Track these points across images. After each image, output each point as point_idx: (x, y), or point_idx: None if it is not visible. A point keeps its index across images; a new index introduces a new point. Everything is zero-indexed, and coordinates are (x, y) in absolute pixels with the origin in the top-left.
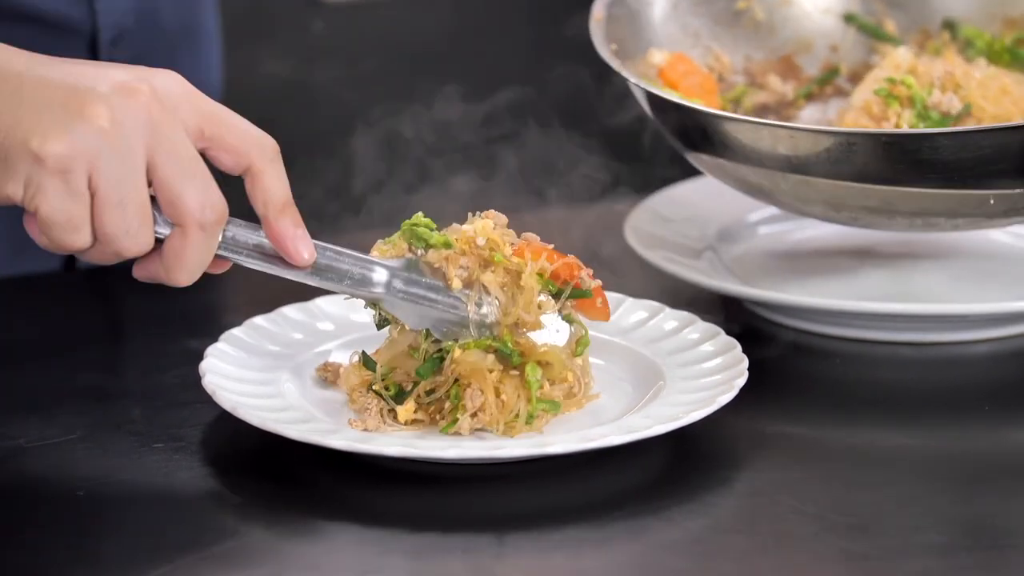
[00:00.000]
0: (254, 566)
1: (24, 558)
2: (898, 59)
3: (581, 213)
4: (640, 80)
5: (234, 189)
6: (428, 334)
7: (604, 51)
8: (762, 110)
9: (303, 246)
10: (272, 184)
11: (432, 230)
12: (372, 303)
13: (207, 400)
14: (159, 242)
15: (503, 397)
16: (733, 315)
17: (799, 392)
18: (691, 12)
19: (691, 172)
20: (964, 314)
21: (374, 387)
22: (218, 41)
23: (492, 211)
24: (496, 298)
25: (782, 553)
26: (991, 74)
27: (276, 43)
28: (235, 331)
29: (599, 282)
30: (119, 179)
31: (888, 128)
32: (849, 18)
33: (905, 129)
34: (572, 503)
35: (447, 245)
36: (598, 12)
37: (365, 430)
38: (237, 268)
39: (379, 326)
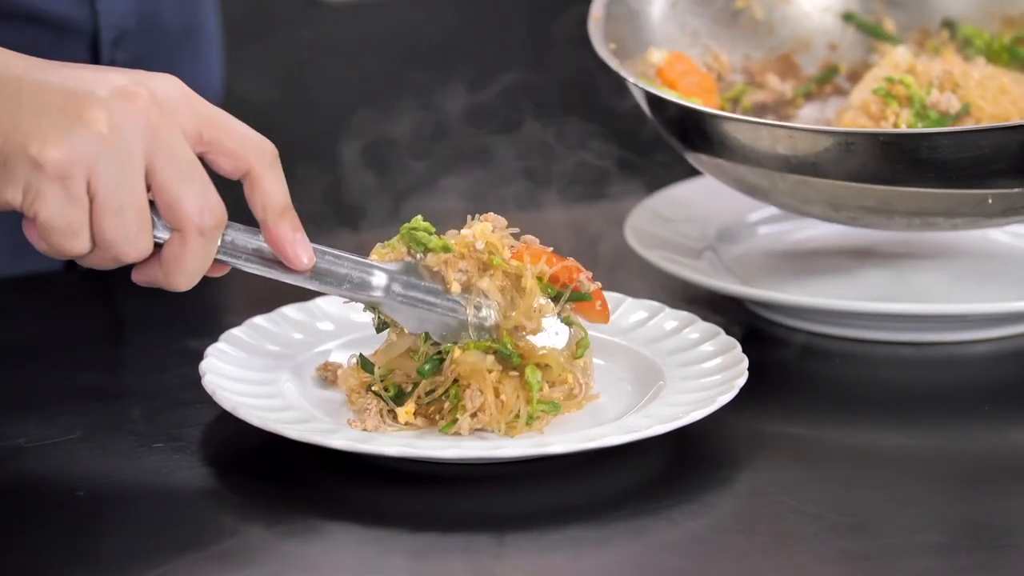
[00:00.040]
0: (254, 566)
1: (24, 558)
2: (897, 58)
3: (581, 213)
4: (638, 79)
5: (233, 193)
6: (427, 337)
7: (603, 50)
8: (761, 109)
9: (302, 250)
10: (271, 188)
11: (431, 234)
12: (371, 307)
13: (207, 400)
14: (158, 247)
15: (502, 397)
16: (733, 315)
17: (799, 392)
18: (690, 11)
19: (691, 172)
20: (964, 314)
21: (373, 388)
22: (218, 41)
23: (491, 214)
24: (495, 301)
25: (782, 553)
26: (990, 73)
27: (276, 43)
28: (235, 331)
29: (598, 284)
30: (118, 184)
31: (886, 128)
32: (848, 17)
33: (903, 129)
34: (572, 503)
35: (446, 249)
36: (597, 11)
37: (364, 430)
38: (237, 269)
39: (378, 329)
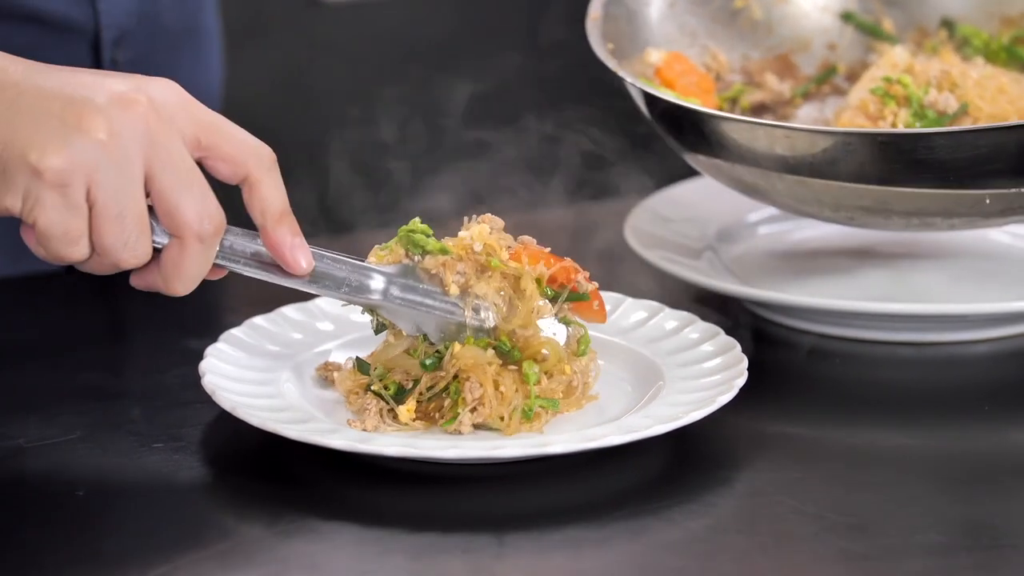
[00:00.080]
0: (254, 566)
1: (24, 558)
2: (895, 58)
3: (581, 213)
4: (636, 79)
5: (232, 196)
6: (425, 338)
7: (600, 50)
8: (759, 109)
9: (301, 255)
10: (269, 193)
11: (429, 236)
12: (369, 309)
13: (207, 400)
14: (157, 251)
15: (502, 389)
16: (733, 315)
17: (799, 392)
18: (688, 11)
19: (691, 172)
20: (964, 314)
21: (372, 388)
22: (219, 41)
23: (488, 215)
24: (493, 303)
25: (782, 553)
26: (988, 73)
27: (276, 43)
28: (235, 331)
29: (595, 285)
30: (117, 192)
31: (884, 128)
32: (847, 17)
33: (900, 129)
34: (572, 503)
35: (444, 251)
36: (595, 11)
37: (364, 430)
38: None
39: (376, 331)
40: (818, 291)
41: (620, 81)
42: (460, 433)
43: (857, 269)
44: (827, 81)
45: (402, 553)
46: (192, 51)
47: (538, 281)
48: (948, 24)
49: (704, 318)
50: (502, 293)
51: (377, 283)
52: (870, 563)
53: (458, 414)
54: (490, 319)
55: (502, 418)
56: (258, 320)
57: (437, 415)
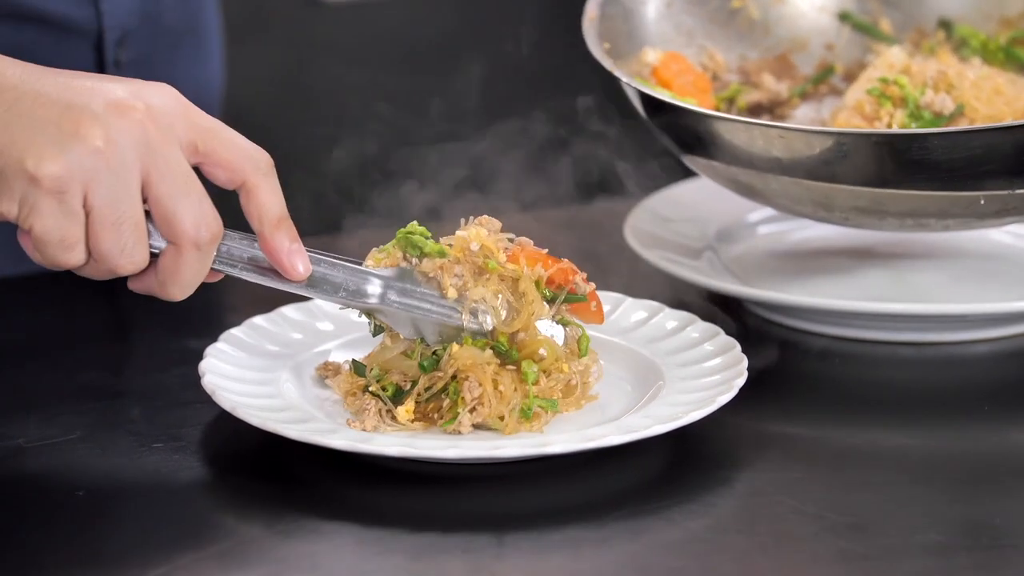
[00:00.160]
0: (254, 566)
1: (24, 558)
2: (891, 59)
3: (581, 213)
4: (632, 79)
5: (230, 198)
6: (422, 341)
7: (597, 50)
8: (756, 109)
9: (298, 260)
10: (266, 199)
11: (427, 238)
12: (367, 313)
13: (207, 400)
14: (154, 256)
15: (501, 388)
16: (733, 315)
17: (799, 392)
18: (685, 11)
19: (691, 172)
20: (964, 314)
21: (370, 389)
22: (220, 41)
23: (485, 216)
24: (492, 307)
25: (782, 553)
26: (985, 74)
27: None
28: (235, 331)
29: (593, 286)
30: (114, 199)
31: (880, 128)
32: (844, 17)
33: (895, 129)
34: (572, 503)
35: (441, 254)
36: (591, 11)
37: (364, 430)
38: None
39: (374, 333)
40: (818, 291)
41: (616, 81)
42: (459, 433)
43: (857, 269)
44: (824, 81)
45: (402, 553)
46: (193, 50)
47: (536, 284)
48: (946, 25)
49: (704, 318)
50: (500, 296)
51: (375, 288)
52: (870, 563)
53: (457, 414)
54: (488, 322)
55: (501, 417)
56: (258, 320)
57: (436, 415)
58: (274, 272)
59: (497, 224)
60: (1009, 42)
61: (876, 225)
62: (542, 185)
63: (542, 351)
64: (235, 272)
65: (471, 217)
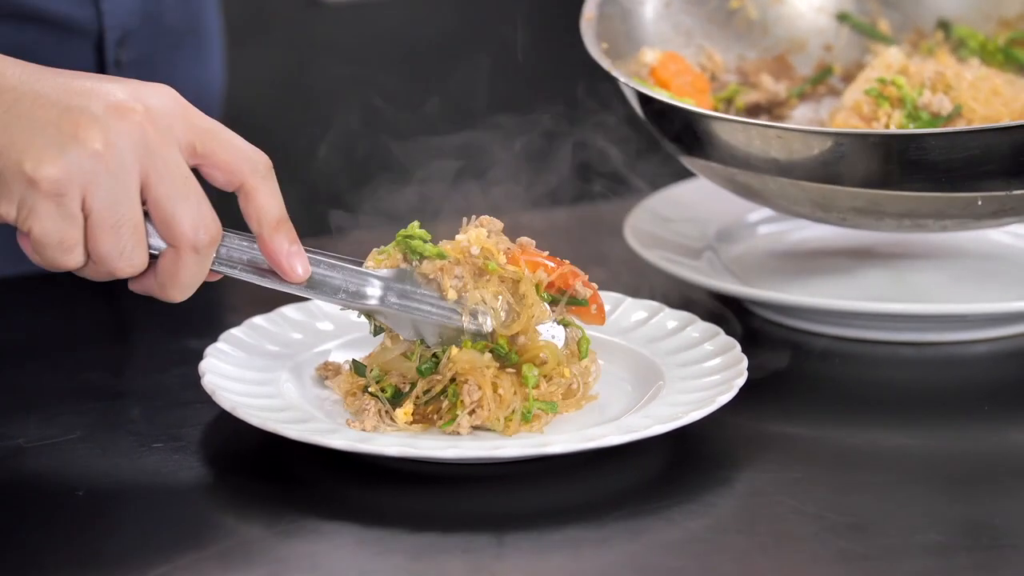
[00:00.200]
0: (254, 566)
1: (24, 558)
2: (889, 59)
3: (580, 213)
4: (630, 79)
5: (231, 199)
6: (422, 342)
7: (595, 50)
8: (755, 110)
9: (297, 262)
10: (265, 202)
11: (426, 241)
12: (367, 314)
13: (207, 400)
14: (154, 257)
15: (500, 391)
16: (733, 315)
17: (799, 392)
18: (684, 11)
19: (691, 172)
20: (964, 314)
21: (370, 389)
22: (220, 41)
23: (486, 217)
24: (492, 309)
25: (782, 553)
26: (982, 75)
27: (276, 43)
28: (235, 331)
29: (594, 288)
30: (113, 202)
31: (878, 129)
32: (843, 17)
33: (893, 130)
34: (572, 503)
35: (441, 256)
36: (589, 11)
37: (363, 430)
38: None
39: (374, 334)
40: (818, 291)
41: (615, 81)
42: (458, 434)
43: (857, 269)
44: (823, 82)
45: (402, 553)
46: (194, 51)
47: (537, 287)
48: (944, 25)
49: (704, 318)
50: (500, 297)
51: (374, 289)
52: (870, 563)
53: (456, 415)
54: (488, 323)
55: (500, 420)
56: (258, 320)
57: (435, 416)
58: (274, 273)
59: (499, 224)
60: (1007, 43)
61: (874, 226)
62: (542, 185)
63: (544, 356)
64: (235, 273)
65: (473, 217)
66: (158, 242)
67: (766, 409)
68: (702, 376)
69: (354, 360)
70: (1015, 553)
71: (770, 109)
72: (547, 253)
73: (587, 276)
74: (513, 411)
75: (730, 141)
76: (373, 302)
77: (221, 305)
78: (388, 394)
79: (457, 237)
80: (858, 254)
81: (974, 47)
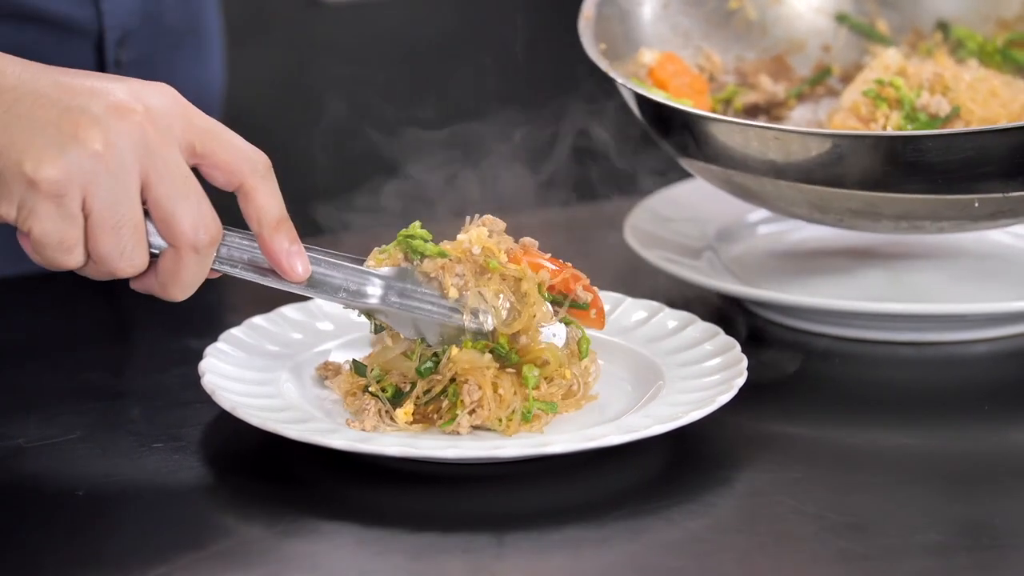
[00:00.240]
0: (254, 566)
1: (24, 558)
2: (887, 60)
3: (581, 213)
4: (628, 80)
5: (232, 198)
6: (423, 341)
7: (593, 51)
8: (753, 110)
9: (298, 262)
10: (265, 202)
11: (427, 240)
12: (367, 313)
13: (207, 400)
14: (155, 256)
15: (500, 391)
16: (733, 315)
17: (799, 392)
18: (682, 12)
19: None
20: (964, 314)
21: (370, 389)
22: (221, 41)
23: (488, 216)
24: (493, 307)
25: (782, 553)
26: (981, 76)
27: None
28: (234, 331)
29: (594, 291)
30: (113, 202)
31: (875, 130)
32: (841, 18)
33: (891, 131)
34: (572, 503)
35: (442, 255)
36: (588, 11)
37: (363, 430)
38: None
39: (375, 332)
40: (818, 291)
41: (613, 82)
42: (458, 434)
43: (857, 269)
44: (821, 83)
45: (402, 553)
46: (194, 51)
47: (539, 286)
48: (943, 26)
49: (704, 318)
50: (502, 296)
51: (375, 288)
52: (870, 563)
53: (456, 415)
54: (489, 322)
55: (500, 420)
56: (258, 320)
57: (435, 416)
58: (274, 273)
59: (501, 224)
60: (1006, 44)
61: (871, 227)
62: (542, 185)
63: (545, 357)
64: (235, 272)
65: (476, 216)
66: (159, 241)
67: (766, 409)
68: (702, 376)
69: (354, 360)
70: (1015, 553)
71: (768, 110)
72: (549, 255)
73: (588, 279)
74: (513, 411)
75: (728, 142)
76: (374, 301)
77: (221, 305)
78: (388, 394)
79: (459, 236)
80: (858, 254)
81: (972, 48)
